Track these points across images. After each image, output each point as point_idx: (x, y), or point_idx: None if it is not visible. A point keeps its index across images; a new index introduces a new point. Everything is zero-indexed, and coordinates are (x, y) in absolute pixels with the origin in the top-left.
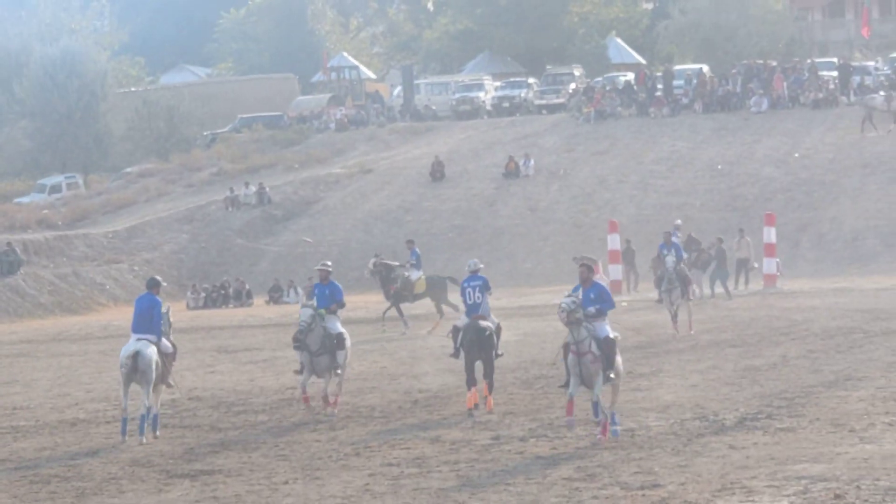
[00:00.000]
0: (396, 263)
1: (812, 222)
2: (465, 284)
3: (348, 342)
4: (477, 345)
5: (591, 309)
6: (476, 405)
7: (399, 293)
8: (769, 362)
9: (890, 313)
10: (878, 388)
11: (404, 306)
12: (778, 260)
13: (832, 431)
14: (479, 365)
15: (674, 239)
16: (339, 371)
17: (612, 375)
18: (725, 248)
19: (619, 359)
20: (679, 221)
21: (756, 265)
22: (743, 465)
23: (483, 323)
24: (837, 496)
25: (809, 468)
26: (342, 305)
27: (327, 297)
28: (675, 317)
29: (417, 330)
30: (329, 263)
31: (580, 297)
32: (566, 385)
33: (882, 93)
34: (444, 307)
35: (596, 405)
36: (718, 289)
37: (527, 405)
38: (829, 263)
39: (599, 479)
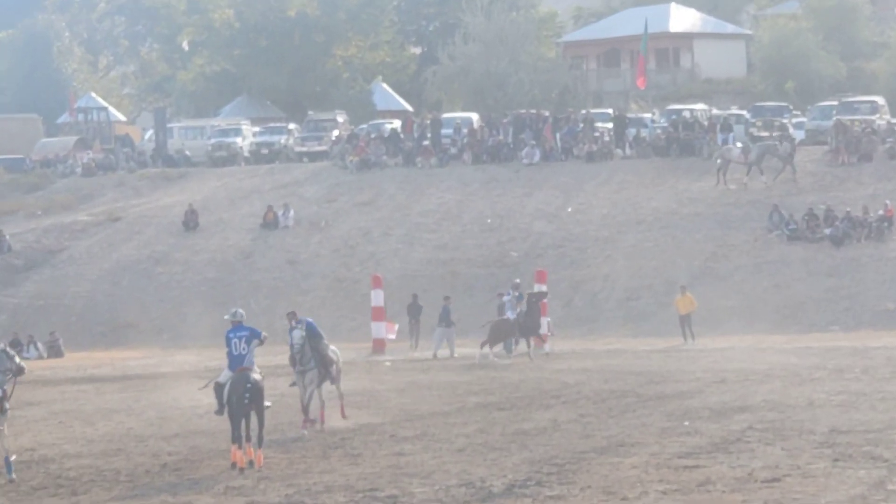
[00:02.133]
0: None
1: (585, 280)
2: (231, 335)
3: None
4: (248, 397)
5: None
6: (250, 462)
7: None
8: (539, 426)
9: (664, 376)
10: (652, 455)
11: None
12: (549, 319)
13: (604, 500)
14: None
15: (506, 298)
16: None
17: None
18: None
19: None
20: (518, 280)
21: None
22: None
23: (252, 374)
24: None
25: None
26: None
27: None
28: (306, 406)
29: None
30: None
31: None
32: None
33: (739, 144)
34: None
35: None
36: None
37: (283, 470)
38: (602, 323)
39: None
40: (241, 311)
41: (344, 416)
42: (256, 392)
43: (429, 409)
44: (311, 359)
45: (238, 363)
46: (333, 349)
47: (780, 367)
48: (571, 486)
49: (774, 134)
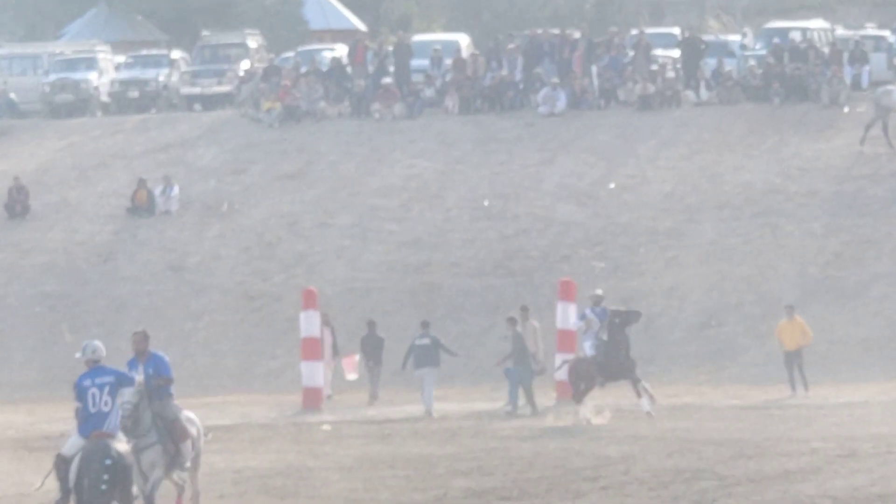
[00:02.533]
0: None
1: (637, 295)
2: (86, 383)
3: None
4: (107, 480)
5: None
6: None
7: None
8: None
9: (760, 447)
10: None
11: None
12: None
13: None
14: None
15: (576, 322)
16: None
17: None
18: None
19: None
20: (600, 292)
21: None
22: None
23: (115, 444)
24: None
25: None
26: None
27: None
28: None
29: None
30: None
31: None
32: None
33: None
34: None
35: None
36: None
37: None
38: (664, 363)
39: None
40: (98, 344)
41: None
42: (121, 471)
43: (391, 499)
44: (152, 428)
45: (95, 426)
46: (189, 416)
47: None
48: None
49: None
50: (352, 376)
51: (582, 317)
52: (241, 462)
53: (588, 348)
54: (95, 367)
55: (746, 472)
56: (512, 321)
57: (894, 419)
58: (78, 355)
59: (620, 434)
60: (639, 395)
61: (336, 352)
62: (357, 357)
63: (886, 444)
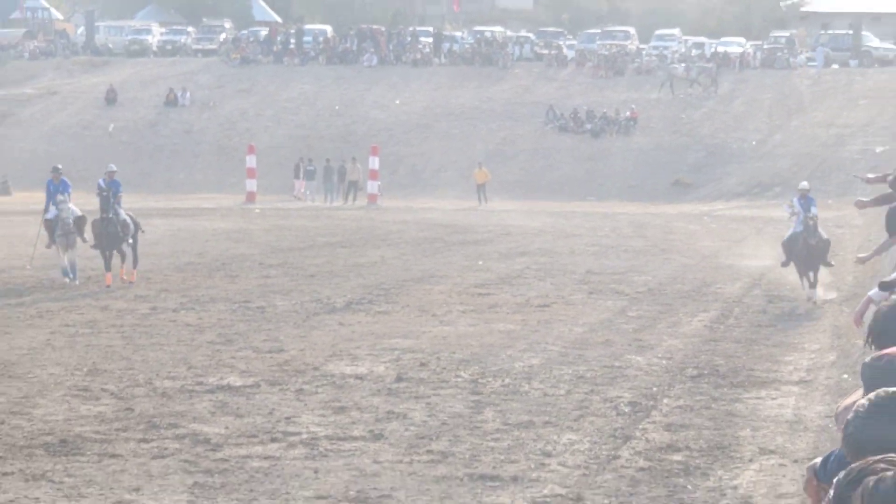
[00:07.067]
0: None
1: (408, 156)
2: (103, 184)
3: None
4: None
5: None
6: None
7: None
8: (371, 261)
9: (464, 228)
10: (455, 284)
11: None
12: (380, 183)
13: (419, 315)
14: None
15: (786, 209)
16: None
17: None
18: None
19: None
20: (805, 184)
21: (363, 186)
22: (349, 338)
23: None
24: (422, 364)
25: (401, 342)
26: None
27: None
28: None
29: None
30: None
31: None
32: None
33: (684, 64)
34: None
35: None
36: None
37: (178, 284)
38: (420, 188)
39: (236, 343)
40: (114, 166)
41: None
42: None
43: (288, 245)
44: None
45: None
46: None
47: (550, 226)
48: (395, 304)
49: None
50: (298, 193)
51: (790, 206)
52: (216, 225)
53: (797, 225)
54: (113, 177)
55: (457, 239)
56: (328, 161)
57: (528, 218)
58: (112, 167)
59: (398, 220)
60: (813, 285)
61: (300, 176)
62: (305, 183)
63: (524, 230)
